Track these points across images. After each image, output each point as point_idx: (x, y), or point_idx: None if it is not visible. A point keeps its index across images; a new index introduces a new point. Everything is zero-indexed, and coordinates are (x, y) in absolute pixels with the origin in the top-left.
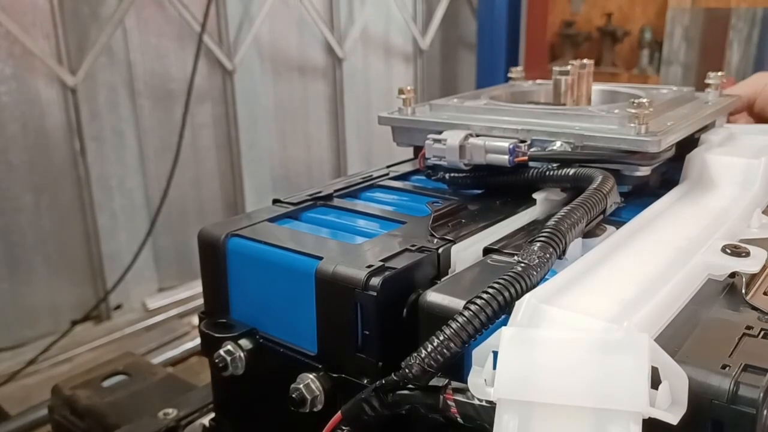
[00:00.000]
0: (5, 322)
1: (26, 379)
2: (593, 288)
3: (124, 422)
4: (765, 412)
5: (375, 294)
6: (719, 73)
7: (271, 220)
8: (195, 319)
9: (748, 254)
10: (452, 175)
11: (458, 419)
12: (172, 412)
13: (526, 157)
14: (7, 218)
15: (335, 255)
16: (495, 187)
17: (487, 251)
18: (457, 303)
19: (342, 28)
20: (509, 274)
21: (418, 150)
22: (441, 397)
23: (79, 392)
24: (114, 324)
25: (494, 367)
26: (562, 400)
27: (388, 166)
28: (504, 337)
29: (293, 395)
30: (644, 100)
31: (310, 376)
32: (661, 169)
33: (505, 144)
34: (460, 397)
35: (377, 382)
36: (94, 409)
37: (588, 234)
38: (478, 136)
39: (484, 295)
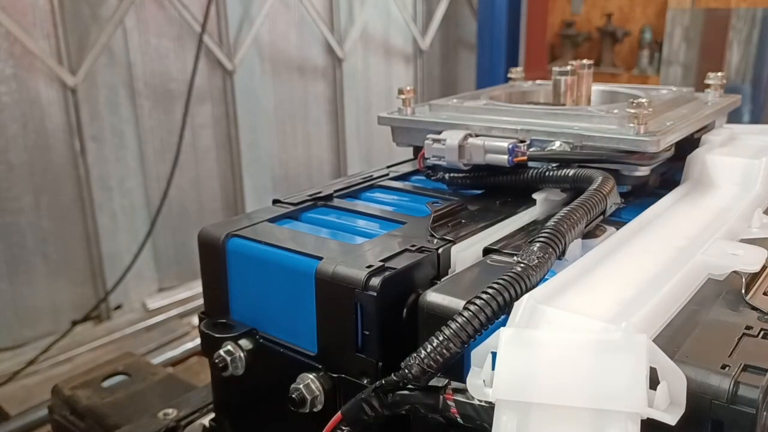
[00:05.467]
0: (5, 322)
1: (26, 379)
2: (592, 288)
3: (124, 422)
4: (765, 412)
5: (375, 294)
6: (719, 74)
7: (271, 220)
8: (195, 320)
9: (748, 254)
10: (452, 175)
11: (458, 419)
12: (172, 413)
13: (525, 157)
14: (7, 218)
15: (335, 255)
16: (494, 188)
17: (487, 251)
18: (457, 303)
19: (342, 28)
20: (509, 274)
21: (417, 150)
22: (441, 397)
23: (79, 392)
24: (114, 324)
25: (493, 368)
26: (560, 400)
27: (388, 167)
28: (503, 338)
29: (293, 395)
30: (643, 101)
31: (310, 376)
32: (660, 169)
33: (505, 144)
34: (459, 398)
35: (377, 382)
36: (94, 409)
37: (588, 235)
38: (477, 136)
39: (484, 296)
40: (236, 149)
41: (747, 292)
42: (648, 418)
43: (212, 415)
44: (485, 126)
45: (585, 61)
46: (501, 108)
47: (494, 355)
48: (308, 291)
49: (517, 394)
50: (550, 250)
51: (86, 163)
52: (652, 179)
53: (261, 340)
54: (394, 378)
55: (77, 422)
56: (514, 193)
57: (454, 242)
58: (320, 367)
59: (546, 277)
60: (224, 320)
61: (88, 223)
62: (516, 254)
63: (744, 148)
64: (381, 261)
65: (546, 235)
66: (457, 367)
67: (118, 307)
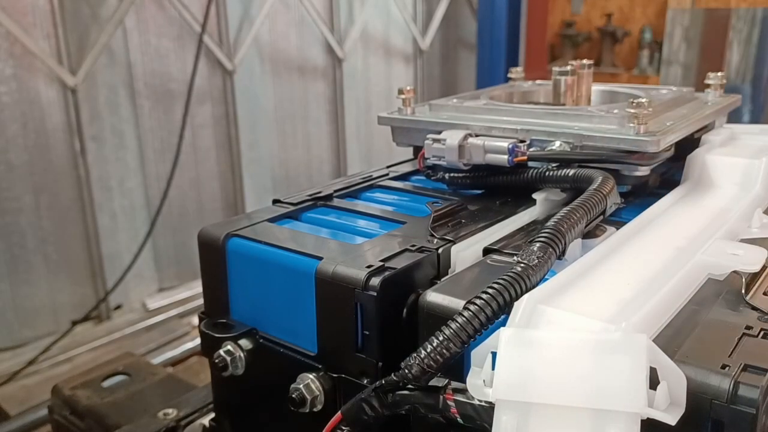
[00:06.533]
0: (5, 322)
1: (26, 379)
2: (592, 289)
3: (124, 422)
4: (765, 414)
5: (375, 294)
6: (719, 74)
7: (271, 220)
8: (195, 319)
9: (748, 254)
10: (452, 175)
11: (458, 419)
12: (172, 412)
13: (525, 157)
14: (7, 218)
15: (335, 255)
16: (495, 188)
17: (487, 251)
18: (457, 303)
19: (342, 28)
20: (509, 274)
21: (417, 150)
22: (441, 397)
23: (79, 392)
24: (114, 324)
25: (493, 368)
26: (560, 400)
27: (388, 167)
28: (503, 338)
29: (293, 395)
30: (643, 101)
31: (310, 376)
32: (660, 169)
33: (504, 144)
34: (459, 398)
35: (377, 382)
36: (94, 409)
37: (588, 234)
38: (477, 136)
39: (484, 296)
40: (236, 149)
41: (747, 292)
42: (648, 418)
43: (212, 415)
44: (485, 126)
45: (585, 61)
46: (501, 108)
47: (494, 355)
48: (308, 291)
49: (517, 394)
50: (550, 250)
51: (86, 163)
52: (652, 179)
53: (261, 340)
54: (394, 378)
55: (77, 422)
56: (514, 193)
57: (454, 242)
58: (320, 367)
59: (546, 277)
60: (224, 320)
61: (88, 223)
62: (516, 254)
63: (744, 148)
64: (381, 261)
65: (546, 235)
66: (457, 367)
67: (118, 307)
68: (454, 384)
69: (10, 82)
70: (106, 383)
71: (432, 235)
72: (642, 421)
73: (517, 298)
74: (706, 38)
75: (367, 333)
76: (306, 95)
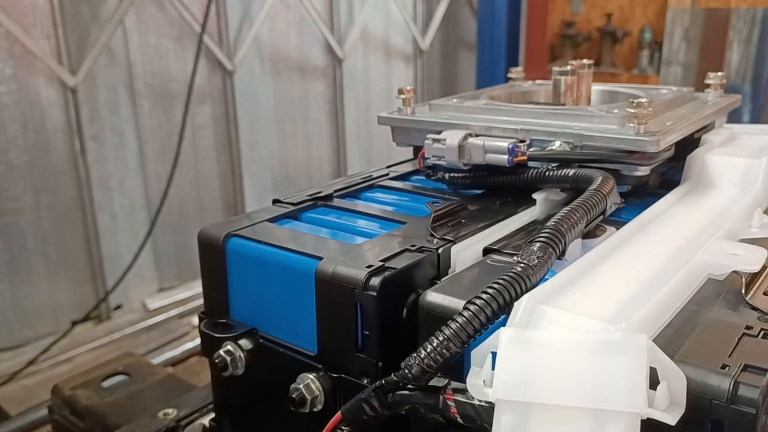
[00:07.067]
0: (5, 322)
1: (26, 379)
2: (592, 288)
3: (124, 422)
4: (764, 414)
5: (375, 294)
6: (719, 74)
7: (271, 220)
8: (195, 320)
9: (748, 254)
10: (452, 175)
11: (458, 419)
12: (172, 412)
13: (525, 157)
14: (7, 218)
15: (335, 255)
16: (495, 188)
17: (487, 251)
18: (457, 303)
19: (342, 28)
20: (509, 274)
21: (417, 150)
22: (441, 397)
23: (79, 392)
24: (114, 324)
25: (493, 368)
26: (560, 400)
27: (388, 167)
28: (503, 338)
29: (293, 395)
30: (643, 100)
31: (310, 376)
32: (660, 169)
33: (504, 144)
34: (459, 398)
35: (377, 382)
36: (94, 409)
37: (588, 234)
38: (477, 135)
39: (484, 296)
40: (236, 149)
41: (747, 292)
42: (648, 418)
43: (212, 415)
44: (485, 126)
45: (585, 61)
46: (501, 108)
47: (494, 355)
48: (308, 291)
49: (517, 394)
50: (550, 250)
51: (86, 163)
52: (652, 179)
53: (261, 340)
54: (394, 378)
55: (77, 422)
56: (514, 193)
57: (454, 242)
58: (320, 367)
59: (546, 277)
60: (224, 320)
61: (88, 223)
62: (516, 254)
63: (744, 148)
64: (381, 261)
65: (546, 235)
66: (457, 367)
67: (118, 307)
68: (454, 384)
69: (10, 82)
70: (106, 383)
71: (432, 235)
72: (642, 421)
73: (517, 298)
74: (706, 38)
75: (367, 333)
76: (306, 95)
